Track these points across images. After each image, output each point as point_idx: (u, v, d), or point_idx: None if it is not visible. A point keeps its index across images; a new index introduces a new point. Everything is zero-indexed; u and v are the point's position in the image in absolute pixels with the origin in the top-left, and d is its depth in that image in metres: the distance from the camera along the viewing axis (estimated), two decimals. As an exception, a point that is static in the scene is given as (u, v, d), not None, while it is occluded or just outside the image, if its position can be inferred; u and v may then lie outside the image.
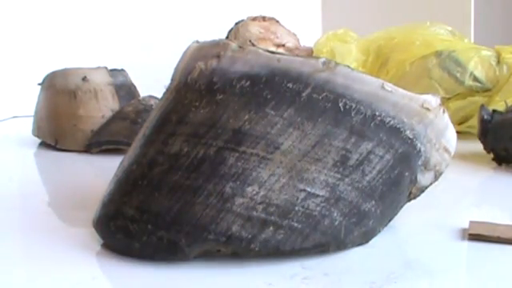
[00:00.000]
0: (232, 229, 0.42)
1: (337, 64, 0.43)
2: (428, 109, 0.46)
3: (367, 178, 0.44)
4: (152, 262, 0.43)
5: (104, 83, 0.87)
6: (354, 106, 0.43)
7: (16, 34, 1.20)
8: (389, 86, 0.44)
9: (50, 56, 1.19)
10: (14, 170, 0.83)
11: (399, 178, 0.46)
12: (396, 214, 0.49)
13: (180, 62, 0.48)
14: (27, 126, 0.94)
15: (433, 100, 0.46)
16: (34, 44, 1.22)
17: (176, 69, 0.49)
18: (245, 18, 1.11)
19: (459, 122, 0.93)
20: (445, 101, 0.92)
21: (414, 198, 0.49)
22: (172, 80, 0.48)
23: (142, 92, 0.93)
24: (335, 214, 0.43)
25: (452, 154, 0.49)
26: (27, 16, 1.21)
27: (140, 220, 0.43)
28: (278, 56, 0.43)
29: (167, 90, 0.48)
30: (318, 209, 0.43)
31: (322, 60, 0.43)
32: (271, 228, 0.42)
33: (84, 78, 0.86)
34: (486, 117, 0.74)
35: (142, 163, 0.45)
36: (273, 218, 0.42)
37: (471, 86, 0.93)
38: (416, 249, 0.48)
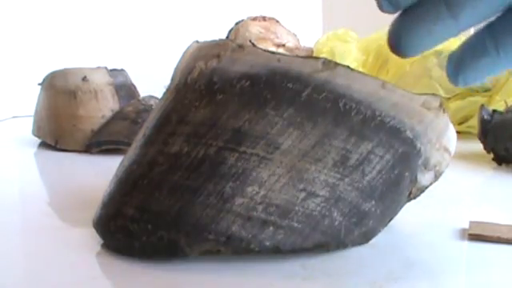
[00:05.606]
0: (232, 229, 0.42)
1: (337, 64, 0.43)
2: (428, 109, 0.46)
3: (367, 178, 0.44)
4: (152, 261, 0.43)
5: (104, 83, 0.87)
6: (354, 105, 0.43)
7: (16, 34, 1.20)
8: (389, 86, 0.44)
9: (50, 56, 1.19)
10: (14, 170, 0.83)
11: (399, 178, 0.46)
12: (396, 214, 0.49)
13: (180, 62, 0.48)
14: (27, 126, 0.94)
15: (433, 100, 0.46)
16: (34, 44, 1.22)
17: (176, 69, 0.49)
18: (245, 17, 1.11)
19: (459, 122, 0.93)
20: (445, 101, 0.92)
21: (414, 197, 0.49)
22: (172, 80, 0.48)
23: (142, 92, 0.93)
24: (335, 214, 0.43)
25: (452, 154, 0.49)
26: (27, 16, 1.21)
27: (140, 220, 0.43)
28: (277, 56, 0.43)
29: (167, 90, 0.48)
30: (318, 209, 0.43)
31: (322, 60, 0.43)
32: (271, 228, 0.42)
33: (84, 78, 0.86)
34: (486, 117, 0.74)
35: (142, 163, 0.45)
36: (273, 218, 0.42)
37: (471, 86, 0.93)
38: (416, 249, 0.48)
